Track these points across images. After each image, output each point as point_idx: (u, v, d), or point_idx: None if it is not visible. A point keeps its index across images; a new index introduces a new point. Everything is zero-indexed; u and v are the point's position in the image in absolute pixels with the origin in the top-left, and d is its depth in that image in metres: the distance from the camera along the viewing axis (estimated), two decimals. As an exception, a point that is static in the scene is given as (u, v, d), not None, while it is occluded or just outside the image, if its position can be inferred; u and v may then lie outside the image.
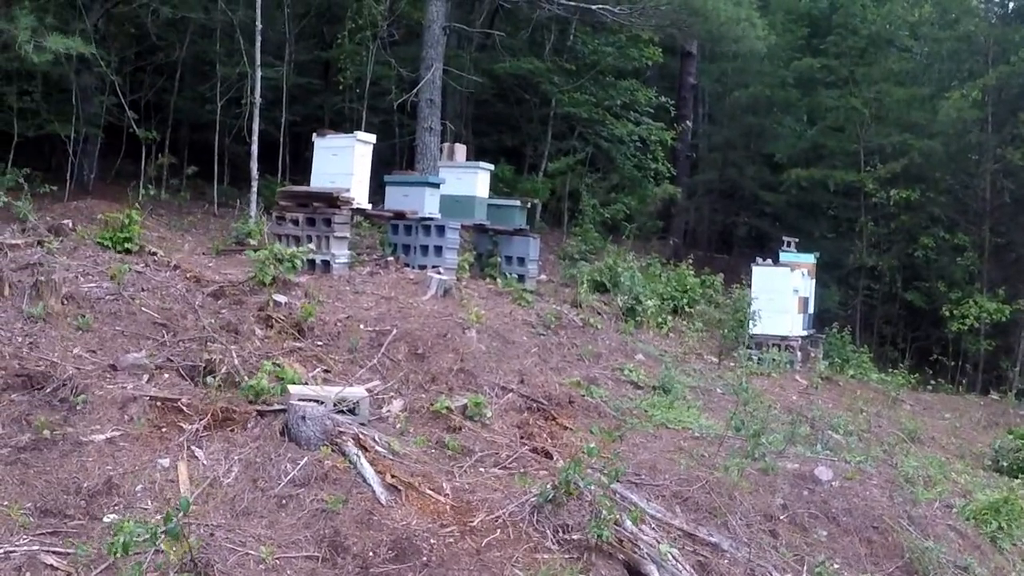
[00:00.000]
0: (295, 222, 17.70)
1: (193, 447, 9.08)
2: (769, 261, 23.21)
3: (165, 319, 12.50)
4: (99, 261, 14.58)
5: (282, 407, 9.63)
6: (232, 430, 9.39)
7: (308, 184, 18.64)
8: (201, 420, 9.45)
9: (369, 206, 18.15)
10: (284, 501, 8.34)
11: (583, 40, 31.00)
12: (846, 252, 33.06)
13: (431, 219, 19.13)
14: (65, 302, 12.41)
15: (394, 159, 30.86)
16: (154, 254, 16.15)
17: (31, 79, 23.42)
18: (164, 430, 9.38)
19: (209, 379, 10.57)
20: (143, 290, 13.42)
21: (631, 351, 16.51)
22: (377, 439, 9.66)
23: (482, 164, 21.07)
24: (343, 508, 8.15)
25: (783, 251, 23.95)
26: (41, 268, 12.99)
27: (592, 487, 8.94)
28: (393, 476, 8.88)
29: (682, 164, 36.08)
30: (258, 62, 22.34)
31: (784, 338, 21.53)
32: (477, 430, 11.10)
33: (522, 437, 11.31)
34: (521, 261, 21.53)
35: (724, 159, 39.37)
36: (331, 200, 17.18)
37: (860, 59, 34.83)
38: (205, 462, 8.87)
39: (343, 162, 17.73)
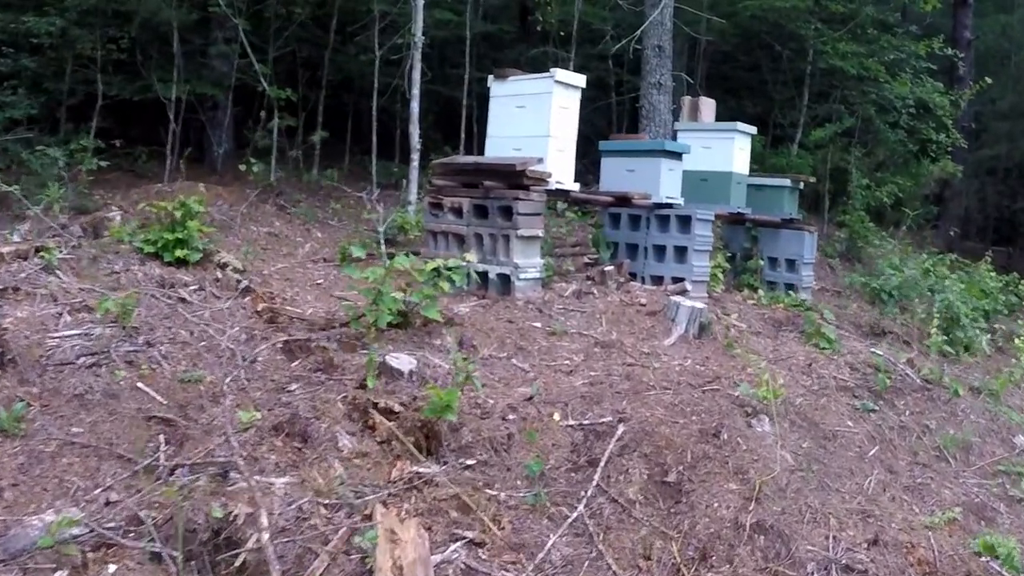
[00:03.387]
0: (457, 211, 11.41)
1: None
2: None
3: (177, 409, 6.72)
4: (125, 281, 8.70)
5: None
6: None
7: (482, 153, 12.30)
8: None
9: (576, 187, 11.71)
10: None
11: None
12: None
13: (671, 206, 12.98)
14: (-3, 372, 6.56)
15: (610, 128, 24.55)
16: (225, 266, 10.22)
17: (124, 20, 17.33)
18: None
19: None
20: (159, 345, 7.50)
21: (1005, 428, 9.88)
22: None
23: (741, 125, 14.62)
24: None
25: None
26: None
27: None
28: None
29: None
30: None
31: None
32: None
33: None
34: (791, 264, 15.37)
35: (1012, 130, 32.14)
36: (513, 176, 10.77)
37: None
38: None
39: (535, 117, 11.40)
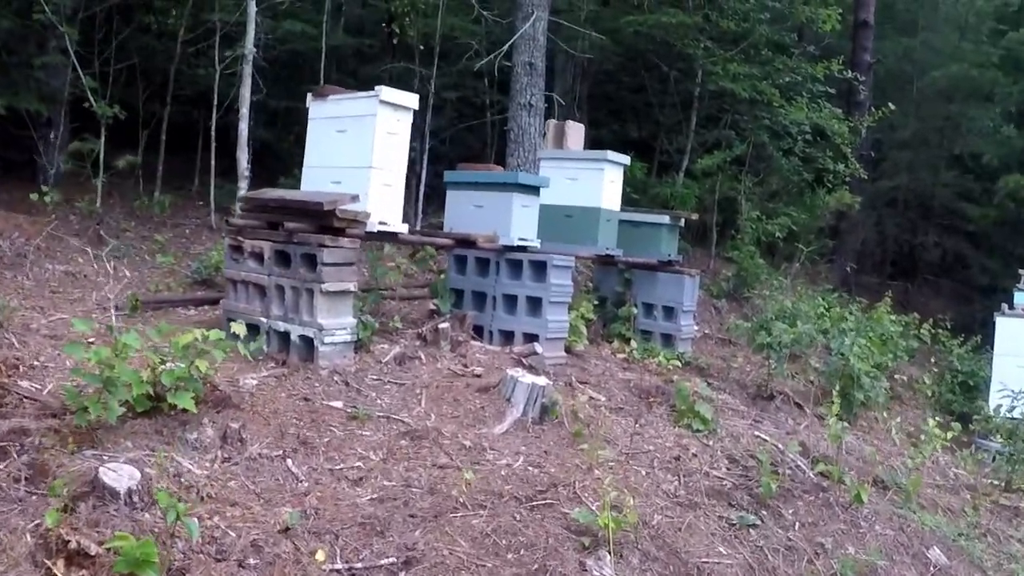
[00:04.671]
0: (258, 257, 9.42)
1: None
2: (1020, 309, 16.18)
3: None
4: None
5: None
6: None
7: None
8: None
9: (404, 228, 9.66)
10: None
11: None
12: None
13: (525, 249, 11.03)
14: None
15: (484, 152, 22.67)
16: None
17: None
18: None
19: None
20: None
21: (917, 538, 8.00)
22: None
23: (612, 155, 12.57)
24: None
25: (1019, 289, 16.70)
26: None
27: None
28: None
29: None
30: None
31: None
32: None
33: None
34: (669, 312, 13.45)
35: (913, 160, 30.79)
36: (322, 217, 8.82)
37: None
38: None
39: (357, 144, 9.41)
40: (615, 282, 13.86)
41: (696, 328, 14.62)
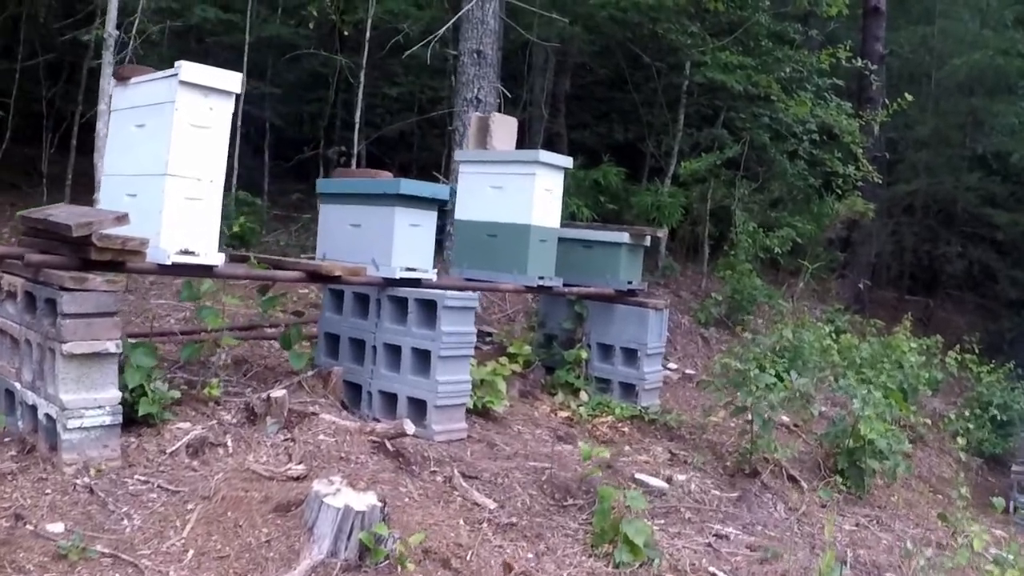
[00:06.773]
0: (14, 298, 6.65)
1: None
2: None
3: None
4: None
5: None
6: None
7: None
8: None
9: (219, 259, 6.83)
10: None
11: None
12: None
13: (418, 283, 8.25)
14: None
15: (441, 157, 19.85)
16: None
17: None
18: None
19: None
20: None
21: None
22: None
23: (545, 155, 9.62)
24: None
25: (1053, 313, 14.49)
26: None
27: None
28: None
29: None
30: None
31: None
32: None
33: None
34: (630, 355, 10.53)
35: (932, 161, 28.26)
36: (78, 247, 6.05)
37: None
38: None
39: (153, 144, 6.71)
40: (561, 315, 11.07)
41: (669, 372, 12.04)
